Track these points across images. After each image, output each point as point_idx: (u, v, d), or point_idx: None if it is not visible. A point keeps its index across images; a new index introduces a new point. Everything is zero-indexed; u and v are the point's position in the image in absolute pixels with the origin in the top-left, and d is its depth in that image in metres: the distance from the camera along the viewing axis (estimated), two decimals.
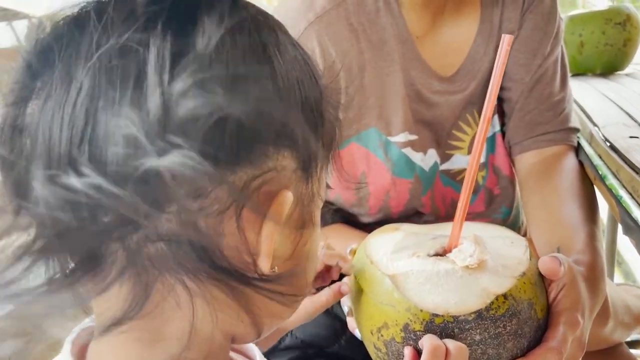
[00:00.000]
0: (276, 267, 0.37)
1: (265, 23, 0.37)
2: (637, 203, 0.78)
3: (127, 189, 0.29)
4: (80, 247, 0.31)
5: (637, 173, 0.83)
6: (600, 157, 0.99)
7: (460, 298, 0.51)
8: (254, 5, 0.37)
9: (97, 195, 0.29)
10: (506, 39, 0.54)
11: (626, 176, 0.85)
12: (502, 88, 0.89)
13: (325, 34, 0.77)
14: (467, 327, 0.49)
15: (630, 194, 0.82)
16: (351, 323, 0.62)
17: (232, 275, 0.34)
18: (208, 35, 0.31)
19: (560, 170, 0.89)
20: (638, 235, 0.75)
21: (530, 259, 0.55)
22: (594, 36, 1.55)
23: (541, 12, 0.87)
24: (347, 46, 0.78)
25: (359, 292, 0.57)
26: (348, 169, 0.85)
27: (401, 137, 0.84)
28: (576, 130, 0.93)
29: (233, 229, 0.34)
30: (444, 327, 0.49)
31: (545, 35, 0.87)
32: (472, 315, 0.49)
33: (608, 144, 0.99)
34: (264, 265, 0.36)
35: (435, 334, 0.49)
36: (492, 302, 0.50)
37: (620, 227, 0.84)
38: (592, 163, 1.02)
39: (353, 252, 0.63)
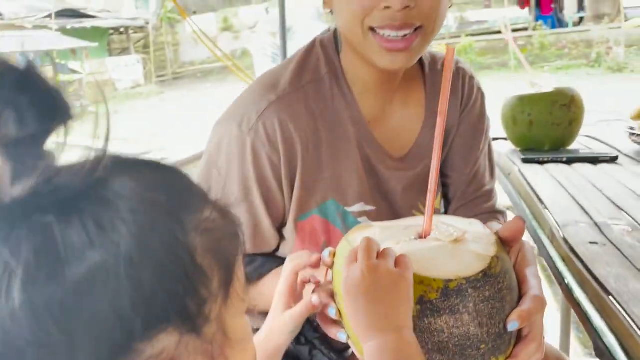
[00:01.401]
0: None
1: (93, 200, 0.32)
2: (608, 326, 0.80)
3: None
4: None
5: (602, 288, 0.85)
6: (564, 261, 1.02)
7: (463, 263, 0.57)
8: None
9: None
10: (448, 49, 0.65)
11: (592, 291, 0.87)
12: (445, 175, 1.00)
13: (285, 112, 0.85)
14: (478, 285, 0.56)
15: (599, 312, 0.84)
16: (333, 331, 0.64)
17: None
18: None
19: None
20: None
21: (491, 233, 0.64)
22: (542, 116, 1.62)
23: (474, 112, 0.98)
24: (305, 125, 0.86)
25: None
26: (310, 240, 0.90)
27: (357, 207, 0.90)
28: (502, 212, 1.03)
29: None
30: (459, 289, 0.55)
31: (478, 132, 0.99)
32: (480, 275, 0.56)
33: (568, 246, 1.02)
34: None
35: (451, 297, 0.55)
36: (491, 262, 0.57)
37: None
38: (555, 265, 1.05)
39: (333, 254, 0.65)
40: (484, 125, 1.00)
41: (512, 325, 0.58)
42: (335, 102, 0.88)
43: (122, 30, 18.41)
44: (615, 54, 9.98)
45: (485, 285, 0.56)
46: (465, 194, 0.99)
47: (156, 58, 18.19)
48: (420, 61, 0.95)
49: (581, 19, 13.84)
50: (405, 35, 0.76)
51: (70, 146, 0.34)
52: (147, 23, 17.24)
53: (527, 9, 13.77)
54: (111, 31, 18.34)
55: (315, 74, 0.88)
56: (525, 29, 12.85)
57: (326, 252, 0.66)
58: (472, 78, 0.98)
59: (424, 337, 0.56)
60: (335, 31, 0.91)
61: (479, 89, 0.99)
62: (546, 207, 1.19)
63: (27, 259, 0.30)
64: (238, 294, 0.39)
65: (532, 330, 0.61)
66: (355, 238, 0.64)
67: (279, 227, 0.91)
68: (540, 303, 0.60)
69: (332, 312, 0.62)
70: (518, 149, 1.74)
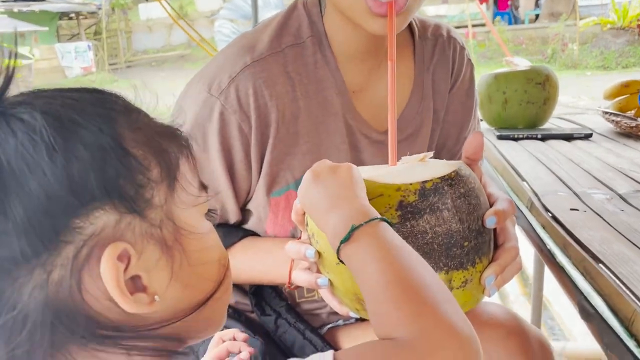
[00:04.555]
0: (157, 296, 0.40)
1: (15, 103, 0.38)
2: (594, 288, 0.80)
3: None
4: None
5: (586, 252, 0.85)
6: (544, 228, 1.02)
7: (436, 169, 0.61)
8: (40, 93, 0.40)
9: None
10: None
11: (576, 255, 0.87)
12: (437, 156, 0.96)
13: (260, 77, 0.79)
14: (453, 183, 0.59)
15: (583, 275, 0.84)
16: (312, 280, 0.65)
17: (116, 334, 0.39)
18: None
19: None
20: (598, 323, 0.76)
21: None
22: (517, 94, 1.63)
23: (464, 86, 0.96)
24: (282, 91, 0.81)
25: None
26: (284, 215, 0.86)
27: None
28: None
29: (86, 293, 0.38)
30: (435, 188, 0.58)
31: (466, 109, 0.97)
32: (453, 174, 0.60)
33: (550, 214, 1.02)
34: (129, 306, 0.38)
35: (429, 196, 0.58)
36: (459, 167, 0.62)
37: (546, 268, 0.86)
38: (535, 232, 1.04)
39: None
40: (472, 101, 0.98)
41: (490, 221, 0.60)
42: (318, 69, 0.83)
43: (72, 15, 17.68)
44: (569, 51, 10.31)
45: (459, 182, 0.60)
46: None
47: (108, 45, 17.58)
48: (410, 28, 0.92)
49: (537, 16, 14.26)
50: None
51: None
52: (99, 8, 16.56)
53: (484, 5, 14.10)
54: (59, 16, 17.62)
55: (297, 37, 0.83)
56: (484, 25, 13.12)
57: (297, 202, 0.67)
58: (462, 49, 0.96)
59: (408, 242, 0.54)
60: None
61: (469, 60, 0.97)
62: (524, 180, 1.19)
63: None
64: (185, 189, 0.43)
65: (507, 239, 0.64)
66: None
67: (243, 204, 0.87)
68: (512, 206, 0.64)
69: (310, 254, 0.62)
70: (492, 128, 1.76)
